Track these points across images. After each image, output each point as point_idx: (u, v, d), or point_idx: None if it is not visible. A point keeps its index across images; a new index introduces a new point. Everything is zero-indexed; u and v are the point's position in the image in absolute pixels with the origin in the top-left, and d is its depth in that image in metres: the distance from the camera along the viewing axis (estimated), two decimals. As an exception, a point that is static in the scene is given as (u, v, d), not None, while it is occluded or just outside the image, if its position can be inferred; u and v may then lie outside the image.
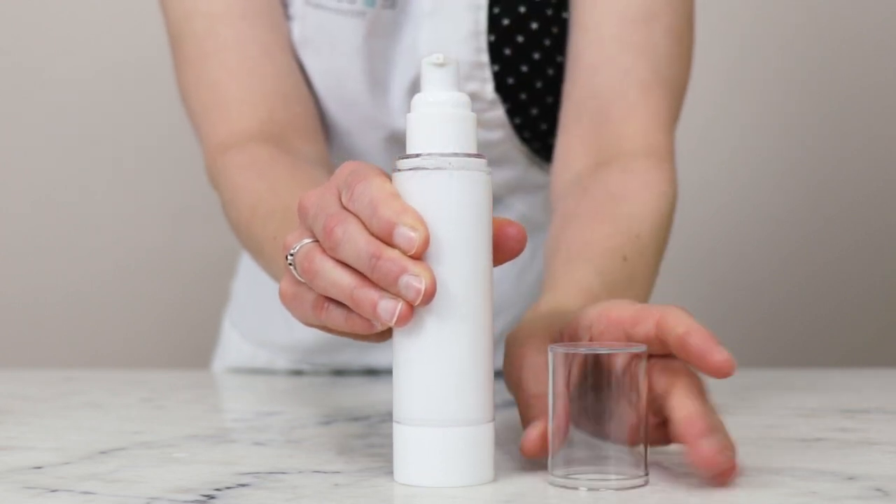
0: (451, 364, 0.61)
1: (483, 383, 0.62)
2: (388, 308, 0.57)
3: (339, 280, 0.58)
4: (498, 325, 1.08)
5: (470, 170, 0.60)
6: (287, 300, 0.63)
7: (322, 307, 0.61)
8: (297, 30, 0.98)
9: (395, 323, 0.57)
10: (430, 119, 0.61)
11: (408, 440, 0.62)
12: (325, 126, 1.01)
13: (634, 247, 0.81)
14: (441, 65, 0.61)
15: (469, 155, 0.60)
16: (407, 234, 0.56)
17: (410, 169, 0.60)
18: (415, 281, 0.56)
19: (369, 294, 0.57)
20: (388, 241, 0.57)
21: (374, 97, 0.99)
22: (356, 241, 0.57)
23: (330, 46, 0.97)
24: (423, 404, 0.61)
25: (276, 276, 0.79)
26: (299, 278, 0.61)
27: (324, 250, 0.59)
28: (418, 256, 0.57)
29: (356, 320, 0.59)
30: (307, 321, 0.63)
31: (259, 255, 0.83)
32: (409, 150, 0.61)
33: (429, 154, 0.60)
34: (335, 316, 0.60)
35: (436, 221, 0.59)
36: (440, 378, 0.61)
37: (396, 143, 1.00)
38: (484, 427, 0.62)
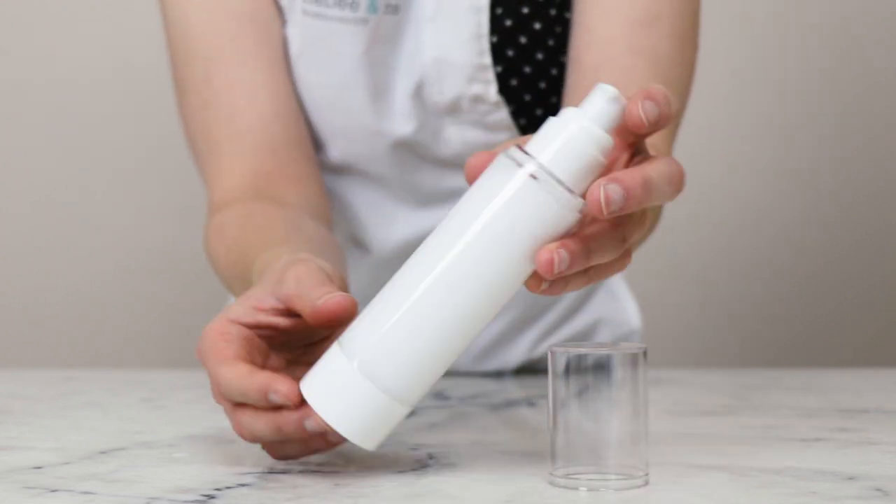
0: (422, 337, 0.62)
1: (432, 373, 0.63)
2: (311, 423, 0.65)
3: (257, 425, 0.66)
4: (498, 324, 1.09)
5: (565, 209, 0.60)
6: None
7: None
8: (296, 43, 0.97)
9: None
10: (571, 141, 0.61)
11: (338, 371, 0.63)
12: (325, 142, 1.01)
13: None
14: (614, 99, 0.61)
15: (571, 192, 0.60)
16: (275, 399, 0.64)
17: (523, 168, 0.60)
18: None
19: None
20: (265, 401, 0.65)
21: (376, 104, 0.98)
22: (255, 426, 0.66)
23: (331, 57, 0.97)
24: (374, 356, 0.62)
25: None
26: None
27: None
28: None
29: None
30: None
31: None
32: (532, 149, 0.61)
33: (548, 172, 0.60)
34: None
35: (505, 223, 0.60)
36: (406, 343, 0.62)
37: (400, 148, 1.00)
38: (402, 409, 0.63)
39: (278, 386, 0.64)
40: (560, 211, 0.60)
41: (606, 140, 0.61)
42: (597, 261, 0.61)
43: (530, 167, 0.60)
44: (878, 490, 0.62)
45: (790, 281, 1.88)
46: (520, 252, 0.61)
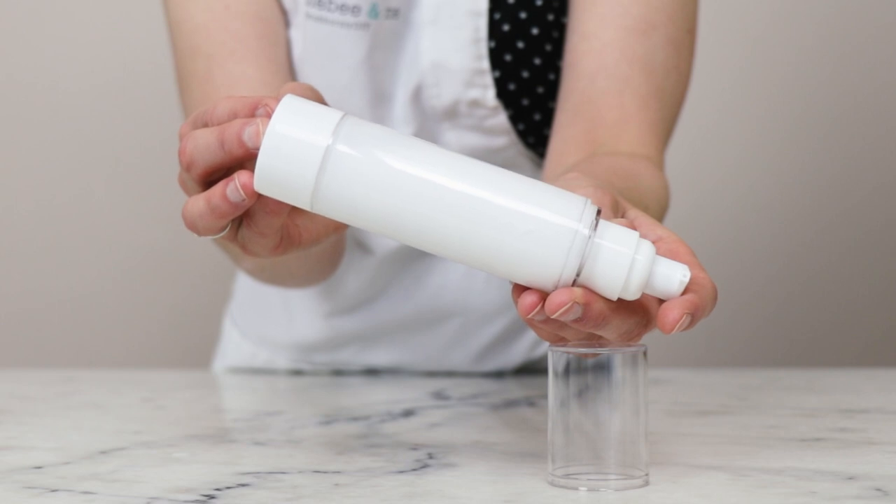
0: (401, 198, 0.61)
1: (372, 223, 0.62)
2: (251, 129, 0.63)
3: (204, 136, 0.64)
4: (498, 324, 1.09)
5: (559, 282, 0.60)
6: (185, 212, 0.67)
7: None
8: (299, 46, 0.97)
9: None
10: (619, 265, 0.60)
11: (316, 129, 0.61)
12: None
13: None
14: (681, 284, 0.61)
15: (577, 276, 0.60)
16: (262, 113, 0.64)
17: (578, 225, 0.60)
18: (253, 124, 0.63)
19: (232, 126, 0.63)
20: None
21: (377, 109, 0.98)
22: (200, 139, 0.64)
23: (332, 61, 0.97)
24: (345, 164, 0.61)
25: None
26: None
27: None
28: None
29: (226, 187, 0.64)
30: (209, 224, 0.66)
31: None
32: (600, 227, 0.60)
33: (583, 255, 0.60)
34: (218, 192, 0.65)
35: (520, 226, 0.60)
36: (383, 185, 0.61)
37: None
38: (307, 200, 0.62)
39: (269, 101, 0.63)
40: (554, 275, 0.60)
41: (634, 294, 0.60)
42: (603, 332, 0.62)
43: (584, 232, 0.60)
44: (878, 490, 0.62)
45: (790, 281, 1.88)
46: (504, 251, 0.61)
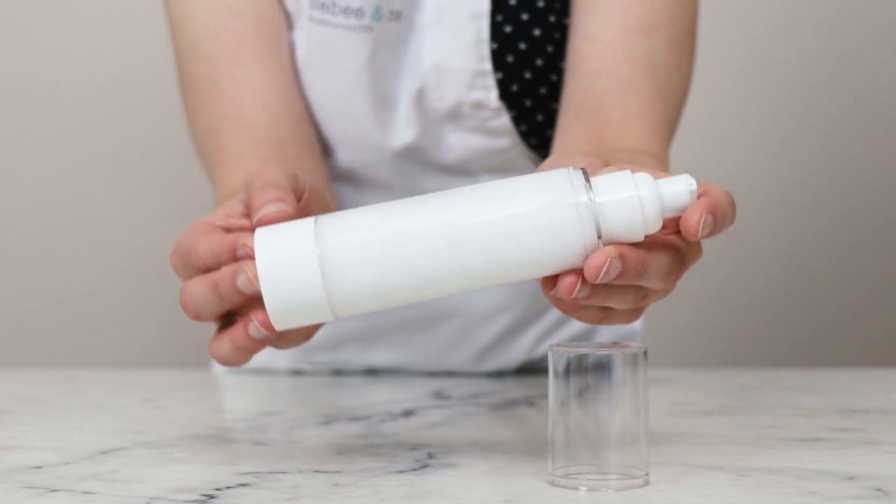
0: (395, 269, 0.61)
1: (380, 304, 0.62)
2: (243, 279, 0.64)
3: (201, 290, 0.65)
4: (498, 324, 1.09)
5: (584, 251, 0.60)
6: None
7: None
8: (302, 48, 0.97)
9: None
10: (630, 205, 0.60)
11: (298, 245, 0.61)
12: (330, 147, 1.01)
13: None
14: (691, 192, 0.62)
15: (599, 238, 0.60)
16: (242, 253, 0.65)
17: (577, 195, 0.60)
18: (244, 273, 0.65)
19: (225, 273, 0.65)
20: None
21: (380, 112, 0.98)
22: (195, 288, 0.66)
23: (335, 64, 0.97)
24: (341, 256, 0.61)
25: None
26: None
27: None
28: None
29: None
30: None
31: None
32: (595, 184, 0.61)
33: (594, 215, 0.60)
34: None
35: (530, 224, 0.60)
36: (377, 265, 0.61)
37: (403, 155, 1.00)
38: (329, 318, 0.63)
39: (246, 240, 0.64)
40: (579, 250, 0.60)
41: (656, 224, 0.61)
42: (645, 284, 0.62)
43: (583, 198, 0.60)
44: (878, 490, 0.62)
45: (790, 281, 1.88)
46: (520, 258, 0.61)
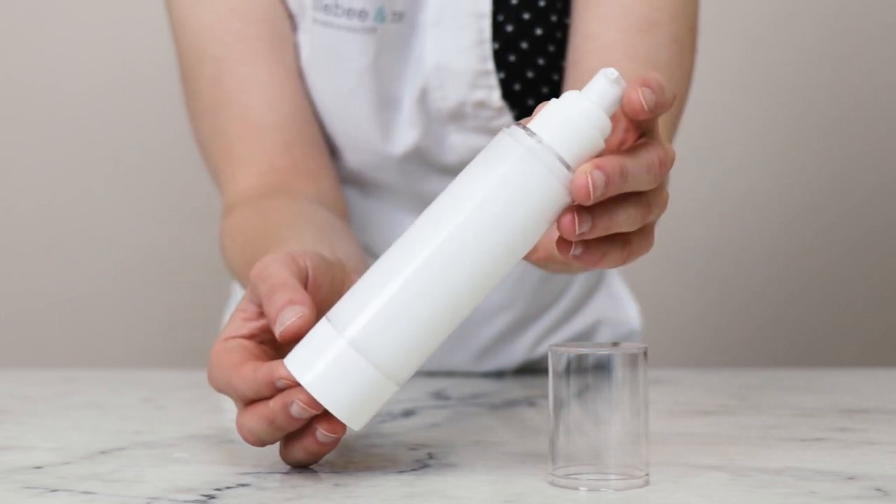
0: (416, 313, 0.62)
1: (424, 350, 0.63)
2: (297, 409, 0.64)
3: (258, 426, 0.66)
4: (498, 324, 1.09)
5: (563, 186, 0.61)
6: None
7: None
8: (306, 50, 0.97)
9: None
10: (571, 120, 0.61)
11: (327, 346, 0.62)
12: (335, 149, 1.01)
13: None
14: (615, 81, 0.62)
15: (570, 169, 0.61)
16: (282, 385, 0.64)
17: (523, 144, 0.61)
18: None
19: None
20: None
21: (383, 113, 0.98)
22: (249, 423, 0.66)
23: (339, 65, 0.97)
24: (367, 330, 0.62)
25: None
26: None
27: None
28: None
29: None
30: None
31: None
32: (533, 126, 0.61)
33: (549, 148, 0.61)
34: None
35: (503, 197, 0.61)
36: (399, 319, 0.62)
37: (407, 157, 1.00)
38: (393, 386, 0.63)
39: (281, 371, 0.64)
40: (559, 187, 0.61)
41: (605, 122, 0.61)
42: (633, 186, 0.62)
43: (530, 142, 0.61)
44: (878, 490, 0.62)
45: (790, 281, 1.88)
46: (516, 227, 0.61)
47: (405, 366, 0.63)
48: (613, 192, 0.61)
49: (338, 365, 0.62)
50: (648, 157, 0.62)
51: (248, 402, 0.66)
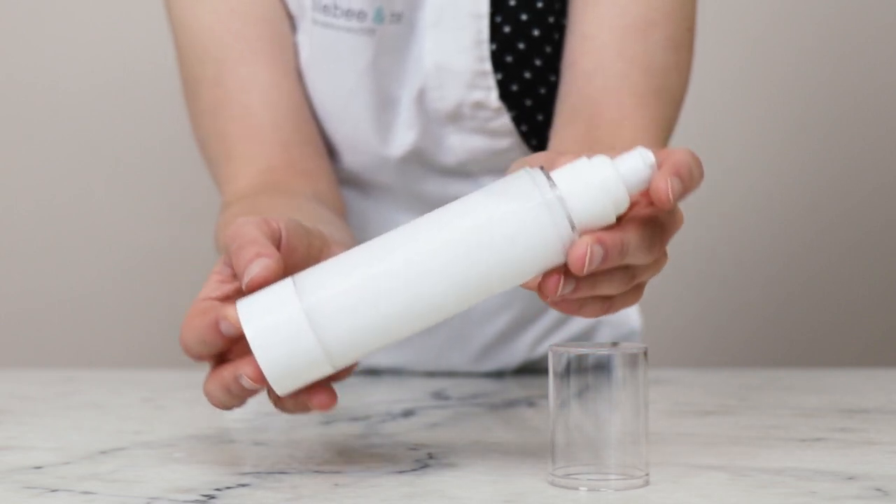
0: (382, 307, 0.61)
1: (375, 345, 0.62)
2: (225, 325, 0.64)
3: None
4: (498, 324, 1.09)
5: (563, 247, 0.60)
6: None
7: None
8: (305, 51, 0.97)
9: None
10: (593, 189, 0.60)
11: (282, 304, 0.61)
12: (333, 150, 1.01)
13: None
14: (649, 165, 0.62)
15: (573, 230, 0.61)
16: (226, 328, 0.64)
17: (541, 192, 0.60)
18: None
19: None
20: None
21: (382, 114, 0.98)
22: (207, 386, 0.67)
23: (338, 66, 0.97)
24: (327, 306, 0.61)
25: None
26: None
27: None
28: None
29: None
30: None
31: None
32: (556, 178, 0.61)
33: (563, 207, 0.60)
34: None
35: (504, 234, 0.60)
36: (363, 307, 0.61)
37: (405, 158, 1.00)
38: (328, 369, 0.62)
39: (229, 312, 0.63)
40: (558, 246, 0.61)
41: (625, 200, 0.61)
42: (629, 262, 0.62)
43: (548, 194, 0.60)
44: (878, 490, 0.62)
45: (790, 281, 1.88)
46: (502, 264, 0.61)
47: (347, 353, 0.62)
48: (607, 266, 0.61)
49: (285, 326, 0.61)
50: (652, 234, 0.62)
51: (208, 359, 0.66)
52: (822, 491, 0.62)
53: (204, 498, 0.62)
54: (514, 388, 1.02)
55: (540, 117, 0.99)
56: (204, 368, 0.68)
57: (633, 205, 0.62)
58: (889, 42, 1.86)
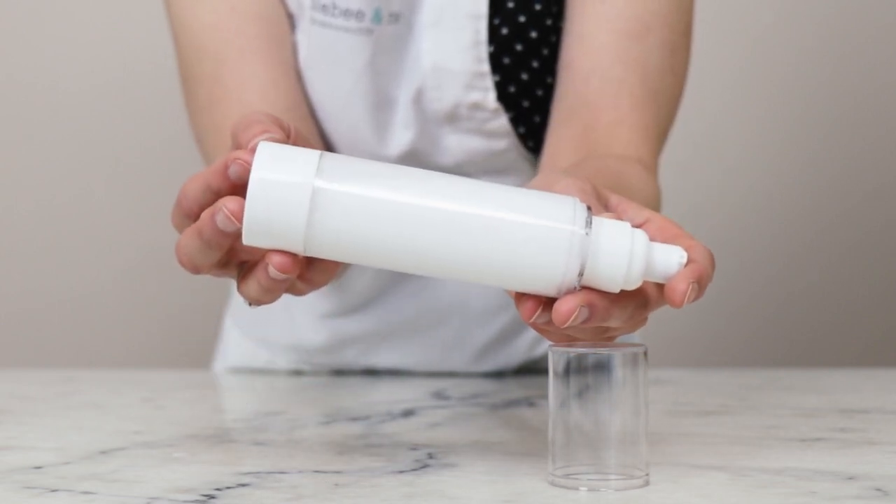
0: (386, 232, 0.60)
1: (358, 259, 0.62)
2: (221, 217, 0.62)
3: (190, 244, 0.64)
4: (497, 324, 1.08)
5: (562, 287, 0.61)
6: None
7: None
8: (304, 50, 0.97)
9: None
10: (616, 259, 0.60)
11: (298, 170, 0.60)
12: (331, 150, 1.01)
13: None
14: (680, 265, 0.62)
15: (579, 276, 0.60)
16: (235, 170, 0.62)
17: (573, 229, 0.60)
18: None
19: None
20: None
21: (379, 114, 0.98)
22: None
23: (336, 66, 0.97)
24: (335, 200, 0.60)
25: None
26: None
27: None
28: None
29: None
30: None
31: None
32: (595, 224, 0.61)
33: (581, 256, 0.60)
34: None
35: (523, 237, 0.60)
36: (367, 221, 0.60)
37: (403, 158, 1.00)
38: (298, 244, 0.61)
39: (242, 155, 0.62)
40: (558, 281, 0.60)
41: (636, 283, 0.61)
42: (607, 324, 0.62)
43: (579, 233, 0.60)
44: (878, 490, 0.62)
45: (790, 281, 1.88)
46: (505, 263, 0.61)
47: (323, 247, 0.61)
48: (585, 326, 0.61)
49: (288, 189, 0.60)
50: (638, 308, 0.63)
51: (195, 216, 0.64)
52: (822, 491, 0.62)
53: (204, 498, 0.62)
54: (514, 388, 1.02)
55: (537, 119, 0.99)
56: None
57: None
58: (889, 42, 1.86)
